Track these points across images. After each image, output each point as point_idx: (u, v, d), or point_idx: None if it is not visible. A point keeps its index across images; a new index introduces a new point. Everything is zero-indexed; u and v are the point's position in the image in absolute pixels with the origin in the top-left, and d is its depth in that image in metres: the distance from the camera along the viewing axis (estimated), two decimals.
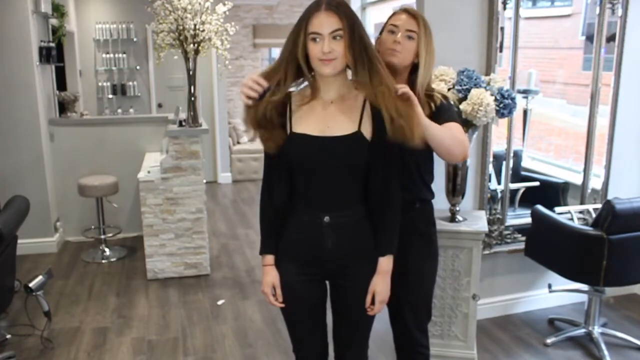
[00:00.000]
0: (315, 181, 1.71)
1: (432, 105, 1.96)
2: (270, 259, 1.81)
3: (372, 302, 1.79)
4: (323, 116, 1.68)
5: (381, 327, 3.30)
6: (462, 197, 2.73)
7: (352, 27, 1.58)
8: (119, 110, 7.24)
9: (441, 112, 1.95)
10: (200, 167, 4.09)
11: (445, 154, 1.86)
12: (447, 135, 1.83)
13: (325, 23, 1.57)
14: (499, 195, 3.30)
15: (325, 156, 1.66)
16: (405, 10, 1.98)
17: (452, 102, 2.06)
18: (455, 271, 2.70)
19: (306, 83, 1.71)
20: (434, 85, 2.31)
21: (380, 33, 2.03)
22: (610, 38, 3.23)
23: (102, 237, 4.66)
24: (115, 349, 3.15)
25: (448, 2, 2.91)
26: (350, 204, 1.74)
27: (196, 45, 3.88)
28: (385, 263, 1.77)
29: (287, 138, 1.69)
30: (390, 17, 2.02)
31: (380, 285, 1.77)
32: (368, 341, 1.95)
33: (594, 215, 3.14)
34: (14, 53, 4.31)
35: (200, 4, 3.81)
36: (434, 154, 1.99)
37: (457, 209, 2.74)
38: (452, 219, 2.73)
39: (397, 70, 1.96)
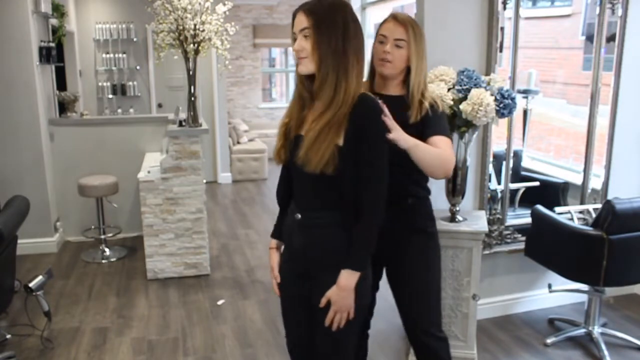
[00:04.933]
0: (295, 178, 1.78)
1: (421, 112, 2.00)
2: (273, 242, 1.96)
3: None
4: (308, 116, 1.72)
5: (382, 326, 3.30)
6: (462, 197, 2.73)
7: (319, 26, 1.59)
8: (119, 110, 7.24)
9: (429, 124, 1.99)
10: (200, 167, 4.09)
11: (428, 173, 1.96)
12: (430, 158, 1.90)
13: (297, 22, 1.64)
14: (499, 195, 3.30)
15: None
16: (394, 18, 2.00)
17: (441, 110, 2.05)
18: (455, 271, 2.70)
19: None
20: (433, 86, 2.32)
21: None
22: (610, 38, 3.23)
23: (102, 237, 4.66)
24: (115, 349, 3.15)
25: (448, 2, 2.91)
26: (323, 207, 1.71)
27: (196, 45, 3.88)
28: (344, 277, 1.66)
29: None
30: (380, 26, 2.04)
31: (335, 296, 1.68)
32: (346, 353, 1.81)
33: (594, 215, 3.14)
34: (14, 53, 4.31)
35: (200, 4, 3.81)
36: None
37: (457, 209, 2.74)
38: (452, 219, 2.73)
39: (388, 77, 2.03)
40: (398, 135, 1.77)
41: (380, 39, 2.01)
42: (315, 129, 1.61)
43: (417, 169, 1.99)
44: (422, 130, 1.98)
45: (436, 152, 1.90)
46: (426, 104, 2.00)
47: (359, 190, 1.66)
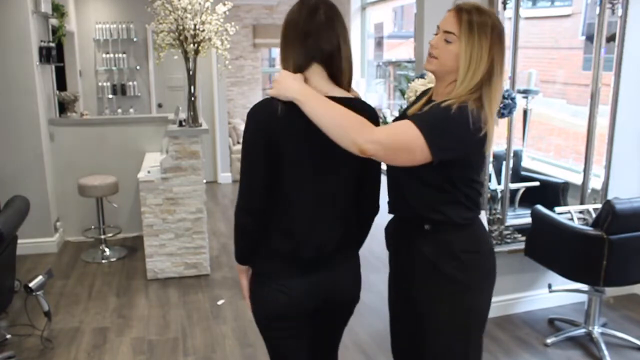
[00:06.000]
0: None
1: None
2: None
3: None
4: None
5: (382, 326, 3.30)
6: None
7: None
8: (119, 110, 7.24)
9: (421, 112, 1.61)
10: (200, 167, 4.09)
11: (333, 140, 1.49)
12: (324, 118, 1.46)
13: None
14: (499, 195, 3.30)
15: None
16: (454, 7, 1.63)
17: (450, 110, 1.54)
18: None
19: None
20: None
21: None
22: (610, 38, 3.23)
23: (102, 237, 4.66)
24: (115, 349, 3.15)
25: (448, 2, 2.90)
26: None
27: (196, 45, 3.88)
28: None
29: None
30: None
31: None
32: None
33: (594, 215, 3.14)
34: (14, 53, 4.31)
35: (200, 4, 3.81)
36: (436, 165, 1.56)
37: None
38: None
39: (437, 77, 1.68)
40: (277, 90, 1.50)
41: (436, 31, 1.66)
42: None
43: (434, 182, 1.63)
44: None
45: (338, 113, 1.46)
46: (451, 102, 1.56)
47: None
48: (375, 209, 1.74)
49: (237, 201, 1.60)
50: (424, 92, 1.85)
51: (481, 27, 1.57)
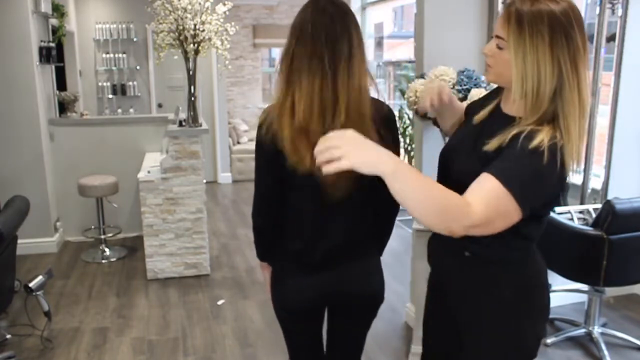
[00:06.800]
0: None
1: (504, 142, 1.30)
2: None
3: None
4: None
5: (382, 326, 3.31)
6: None
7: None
8: (119, 110, 7.24)
9: (498, 158, 1.29)
10: (200, 167, 4.09)
11: (419, 220, 1.24)
12: (413, 198, 1.19)
13: None
14: None
15: None
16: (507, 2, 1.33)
17: (535, 150, 1.24)
18: None
19: None
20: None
21: None
22: (610, 38, 3.23)
23: (102, 237, 4.66)
24: (115, 349, 3.15)
25: (448, 2, 2.91)
26: None
27: (196, 45, 3.88)
28: None
29: None
30: None
31: None
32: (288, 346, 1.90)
33: (594, 215, 3.14)
34: (14, 53, 4.31)
35: (200, 4, 3.81)
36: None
37: None
38: None
39: (506, 89, 1.41)
40: (353, 162, 1.15)
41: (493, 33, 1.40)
42: None
43: None
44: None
45: (434, 194, 1.20)
46: (516, 133, 1.28)
47: None
48: (394, 208, 1.69)
49: (253, 203, 1.69)
50: (490, 95, 1.55)
51: (533, 20, 1.21)
